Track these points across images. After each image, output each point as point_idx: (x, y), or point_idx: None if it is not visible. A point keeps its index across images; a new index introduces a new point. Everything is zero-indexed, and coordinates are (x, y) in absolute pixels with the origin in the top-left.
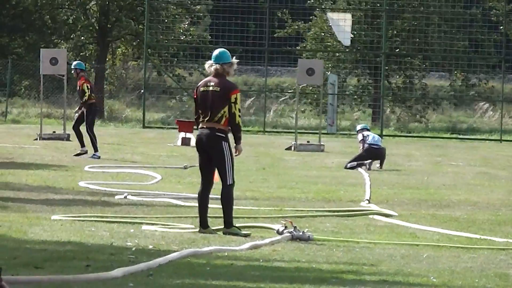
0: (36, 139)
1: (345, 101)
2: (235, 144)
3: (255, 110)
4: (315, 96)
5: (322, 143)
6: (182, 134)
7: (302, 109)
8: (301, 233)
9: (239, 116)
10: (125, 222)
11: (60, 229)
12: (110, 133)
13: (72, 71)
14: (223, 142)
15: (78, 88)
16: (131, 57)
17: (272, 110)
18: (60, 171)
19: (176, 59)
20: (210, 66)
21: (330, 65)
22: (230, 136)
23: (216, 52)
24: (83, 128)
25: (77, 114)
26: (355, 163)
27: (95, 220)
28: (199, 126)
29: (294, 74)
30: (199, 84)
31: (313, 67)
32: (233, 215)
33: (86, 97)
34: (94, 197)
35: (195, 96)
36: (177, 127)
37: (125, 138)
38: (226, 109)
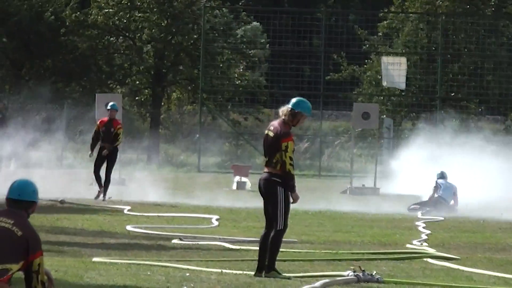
0: (91, 183)
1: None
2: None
3: (310, 154)
4: (369, 138)
5: (377, 187)
6: (238, 178)
7: (358, 153)
8: (369, 276)
9: (290, 164)
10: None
11: (116, 273)
12: (165, 178)
13: (109, 112)
14: (277, 187)
15: (112, 129)
16: (186, 101)
17: (327, 155)
18: (115, 216)
19: (231, 104)
20: (283, 108)
21: (385, 108)
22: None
23: (296, 99)
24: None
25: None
26: (418, 206)
27: (151, 264)
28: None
29: (349, 118)
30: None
31: (368, 111)
32: (290, 258)
33: (118, 142)
34: (149, 241)
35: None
36: (233, 171)
37: (180, 183)
38: (278, 155)
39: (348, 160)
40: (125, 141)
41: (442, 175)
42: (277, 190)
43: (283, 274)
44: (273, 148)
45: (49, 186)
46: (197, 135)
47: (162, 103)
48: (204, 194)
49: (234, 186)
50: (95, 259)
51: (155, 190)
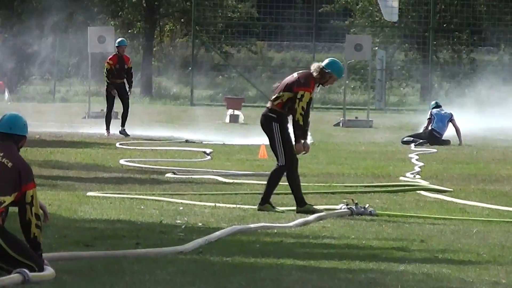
0: (85, 117)
1: (393, 76)
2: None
3: None
4: (362, 71)
5: (370, 119)
6: (231, 111)
7: (352, 86)
8: (362, 209)
9: (301, 114)
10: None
11: (110, 207)
12: (158, 111)
13: (117, 48)
14: (272, 123)
15: (125, 66)
16: (179, 34)
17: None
18: (108, 149)
19: (223, 36)
20: (314, 64)
21: (378, 40)
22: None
23: (330, 59)
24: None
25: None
26: (411, 138)
27: (144, 198)
28: None
29: (342, 50)
30: None
31: (361, 42)
32: (284, 192)
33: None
34: (143, 175)
35: None
36: (225, 104)
37: (173, 116)
38: (286, 94)
39: (341, 93)
40: None
41: (436, 104)
42: (272, 126)
43: (277, 208)
44: (287, 86)
45: (43, 120)
46: (190, 68)
47: (155, 36)
48: (197, 127)
49: (227, 119)
50: (89, 193)
51: (148, 123)
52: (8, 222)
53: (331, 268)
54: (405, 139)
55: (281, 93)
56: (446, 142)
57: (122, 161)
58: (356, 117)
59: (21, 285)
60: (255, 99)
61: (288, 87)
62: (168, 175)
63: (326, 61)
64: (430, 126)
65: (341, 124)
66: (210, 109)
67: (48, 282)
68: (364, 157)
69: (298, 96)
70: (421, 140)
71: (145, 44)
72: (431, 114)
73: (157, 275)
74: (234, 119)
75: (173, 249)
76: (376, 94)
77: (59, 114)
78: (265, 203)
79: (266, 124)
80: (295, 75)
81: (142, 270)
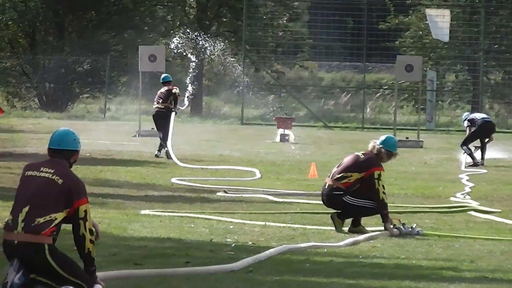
0: (135, 136)
1: (443, 97)
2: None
3: (353, 106)
4: (414, 93)
5: (420, 139)
6: (281, 131)
7: (401, 105)
8: (410, 230)
9: (384, 193)
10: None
11: (160, 225)
12: (208, 130)
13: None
14: (343, 198)
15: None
16: (229, 53)
17: (368, 107)
18: (158, 168)
19: (274, 55)
20: (372, 142)
21: (428, 61)
22: None
23: (386, 136)
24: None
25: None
26: (470, 149)
27: (194, 217)
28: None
29: (392, 70)
30: None
31: (412, 63)
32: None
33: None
34: (193, 194)
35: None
36: (276, 123)
37: (223, 135)
38: (354, 175)
39: (391, 113)
40: None
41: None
42: (344, 200)
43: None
44: (353, 166)
45: (94, 138)
46: (240, 87)
47: (205, 55)
48: (247, 146)
49: (277, 139)
50: (142, 211)
51: (199, 142)
52: (58, 240)
53: None
54: (464, 148)
55: (348, 174)
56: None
57: (173, 180)
58: (406, 138)
59: None
60: (305, 119)
61: (356, 168)
62: (219, 193)
63: (384, 137)
64: (476, 122)
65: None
66: (260, 129)
67: None
68: (414, 178)
69: (376, 176)
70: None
71: (196, 64)
72: (468, 120)
73: None
74: (284, 138)
75: (223, 267)
76: (426, 114)
77: (110, 132)
78: (358, 225)
79: (336, 201)
80: (360, 156)
81: None
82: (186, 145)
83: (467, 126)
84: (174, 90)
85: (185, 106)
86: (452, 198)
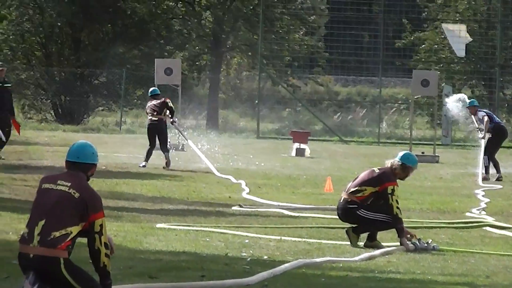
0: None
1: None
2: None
3: (369, 121)
4: (431, 109)
5: (436, 154)
6: (297, 145)
7: (417, 121)
8: (425, 245)
9: (397, 207)
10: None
11: (175, 239)
12: (224, 143)
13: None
14: (357, 212)
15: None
16: (245, 67)
17: (385, 121)
18: (174, 181)
19: (290, 69)
20: (390, 160)
21: (444, 76)
22: None
23: (404, 152)
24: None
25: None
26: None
27: (210, 231)
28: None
29: (408, 85)
30: None
31: (428, 78)
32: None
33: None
34: (208, 208)
35: None
36: (292, 137)
37: (239, 149)
38: (369, 189)
39: (407, 127)
40: (184, 107)
41: (474, 103)
42: (358, 213)
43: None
44: (368, 181)
45: (109, 151)
46: (256, 101)
47: (221, 69)
48: (263, 160)
49: (293, 153)
50: (157, 225)
51: (212, 154)
52: (73, 253)
53: None
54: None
55: (363, 187)
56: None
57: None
58: (422, 152)
59: None
60: (321, 133)
61: (370, 182)
62: (235, 207)
63: (404, 153)
64: (490, 123)
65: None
66: (276, 142)
67: None
68: (430, 192)
69: (389, 191)
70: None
71: (212, 77)
72: (487, 114)
73: None
74: (300, 152)
75: (238, 281)
76: (442, 129)
77: (125, 145)
78: (374, 240)
79: (351, 215)
80: (376, 170)
81: None
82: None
83: (483, 117)
84: (167, 100)
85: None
86: (467, 214)
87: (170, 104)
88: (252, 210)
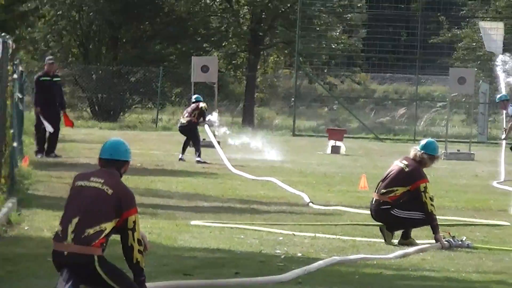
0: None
1: (496, 110)
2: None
3: (406, 119)
4: (467, 106)
5: (472, 152)
6: (332, 142)
7: (454, 119)
8: (460, 242)
9: (432, 205)
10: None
11: (210, 236)
12: (259, 141)
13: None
14: (390, 212)
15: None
16: (282, 65)
17: (423, 120)
18: (209, 178)
19: (327, 67)
20: (413, 150)
21: (481, 74)
22: None
23: (426, 140)
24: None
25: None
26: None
27: (245, 228)
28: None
29: (445, 83)
30: None
31: (465, 76)
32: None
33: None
34: (243, 205)
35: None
36: (327, 135)
37: (275, 146)
38: (400, 189)
39: (443, 125)
40: (220, 104)
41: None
42: (392, 214)
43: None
44: (400, 181)
45: (145, 149)
46: (293, 99)
47: (258, 66)
48: (299, 157)
49: (328, 150)
50: (192, 222)
51: (250, 153)
52: (107, 250)
53: None
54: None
55: (394, 188)
56: None
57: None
58: (458, 150)
59: None
60: (357, 131)
61: (402, 182)
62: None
63: (425, 142)
64: None
65: (442, 157)
66: (312, 140)
67: None
68: (465, 190)
69: (422, 189)
70: None
71: (249, 75)
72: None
73: None
74: (335, 150)
75: (272, 278)
76: (478, 127)
77: (161, 142)
78: (408, 238)
79: (385, 215)
80: (404, 169)
81: None
82: (237, 154)
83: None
84: (201, 105)
85: (215, 116)
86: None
87: (203, 108)
88: (287, 208)
